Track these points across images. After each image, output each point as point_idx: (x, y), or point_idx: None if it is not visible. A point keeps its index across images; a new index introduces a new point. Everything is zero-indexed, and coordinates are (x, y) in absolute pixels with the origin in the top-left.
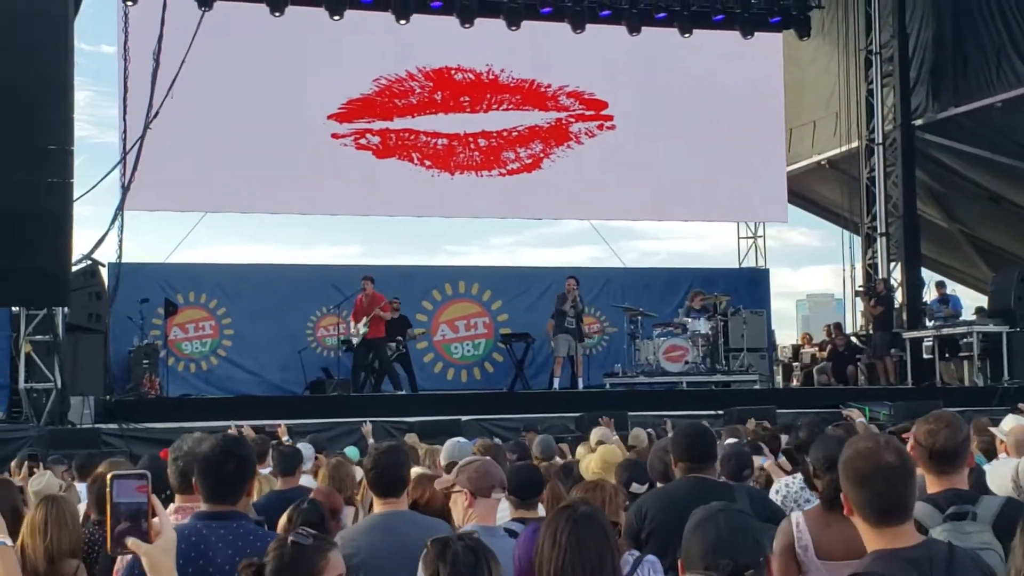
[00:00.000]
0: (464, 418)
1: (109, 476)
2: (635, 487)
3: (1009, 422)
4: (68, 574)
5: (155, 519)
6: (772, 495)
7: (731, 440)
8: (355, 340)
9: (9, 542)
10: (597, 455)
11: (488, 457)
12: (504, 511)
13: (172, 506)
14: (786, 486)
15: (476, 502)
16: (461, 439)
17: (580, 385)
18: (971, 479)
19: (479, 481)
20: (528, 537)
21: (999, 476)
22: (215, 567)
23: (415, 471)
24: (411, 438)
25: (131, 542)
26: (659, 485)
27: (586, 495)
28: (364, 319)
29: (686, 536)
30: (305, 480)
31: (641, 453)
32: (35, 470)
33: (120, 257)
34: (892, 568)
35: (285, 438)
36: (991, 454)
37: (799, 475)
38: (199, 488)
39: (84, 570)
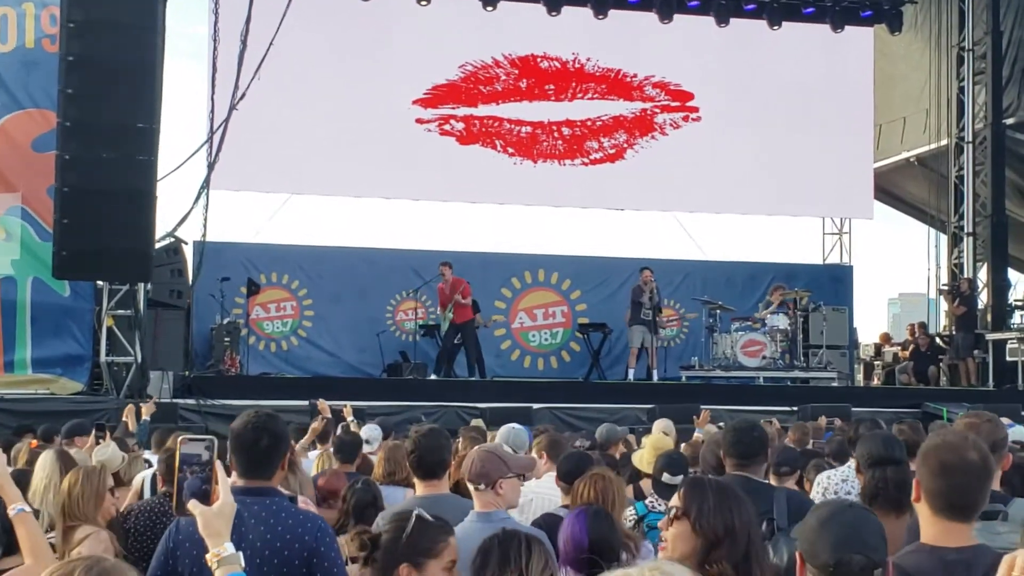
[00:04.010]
0: (536, 406)
1: (179, 439)
2: (666, 477)
3: None
4: (80, 539)
5: (217, 485)
6: (816, 488)
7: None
8: (445, 325)
9: (27, 508)
10: (648, 445)
11: (488, 448)
12: (557, 493)
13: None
14: (827, 478)
15: (478, 493)
16: (516, 425)
17: (655, 377)
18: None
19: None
20: (571, 521)
21: None
22: (247, 543)
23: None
24: (477, 423)
25: (191, 504)
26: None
27: (594, 486)
28: (449, 305)
29: (811, 529)
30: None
31: (696, 447)
32: (101, 441)
33: (204, 236)
34: (925, 564)
35: (350, 418)
36: None
37: (842, 468)
38: (233, 463)
39: (98, 538)
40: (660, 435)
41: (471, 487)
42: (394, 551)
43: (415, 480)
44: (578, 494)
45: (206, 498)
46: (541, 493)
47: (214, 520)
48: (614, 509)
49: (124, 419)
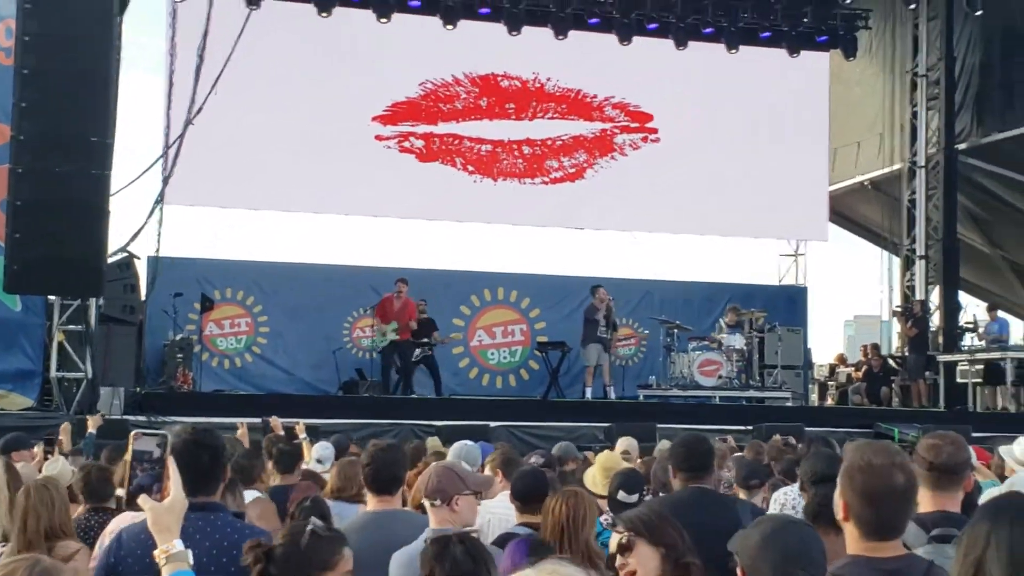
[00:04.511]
0: (493, 424)
1: (132, 434)
2: (622, 495)
3: (1021, 445)
4: (65, 556)
5: (168, 481)
6: (772, 504)
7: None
8: (380, 342)
9: None
10: (597, 463)
11: (446, 464)
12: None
13: None
14: (784, 495)
15: (434, 509)
16: (469, 442)
17: (612, 395)
18: (964, 501)
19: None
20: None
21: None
22: (192, 559)
23: None
24: (433, 442)
25: (141, 499)
26: (660, 495)
27: (566, 503)
28: (394, 323)
29: (754, 545)
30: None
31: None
32: (49, 456)
33: (158, 251)
34: (864, 574)
35: (303, 435)
36: (1004, 478)
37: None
38: None
39: (87, 553)
40: (608, 454)
41: (427, 503)
42: (289, 564)
43: (368, 495)
44: (549, 511)
45: (159, 492)
46: (497, 513)
47: (164, 515)
48: (584, 527)
49: (60, 437)
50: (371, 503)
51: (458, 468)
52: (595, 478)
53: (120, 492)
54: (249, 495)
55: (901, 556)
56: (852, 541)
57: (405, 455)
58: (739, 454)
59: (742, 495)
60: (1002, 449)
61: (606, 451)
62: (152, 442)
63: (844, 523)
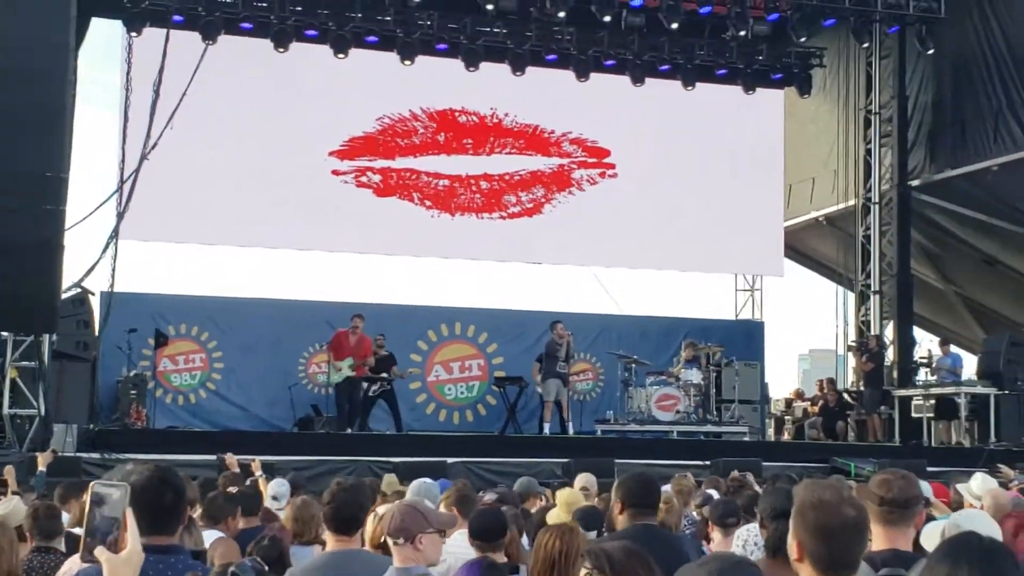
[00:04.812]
0: (451, 460)
1: (91, 485)
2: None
3: (977, 481)
4: None
5: (126, 532)
6: (736, 542)
7: (710, 491)
8: (336, 378)
9: None
10: (561, 502)
11: (409, 503)
12: (470, 552)
13: None
14: (747, 531)
15: (397, 548)
16: (427, 479)
17: (570, 430)
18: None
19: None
20: (468, 572)
21: (930, 537)
22: None
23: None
24: (389, 479)
25: (98, 550)
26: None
27: (560, 537)
28: (350, 360)
29: None
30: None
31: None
32: (1, 496)
33: (112, 286)
34: None
35: (259, 472)
36: None
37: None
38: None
39: None
40: (571, 491)
41: (390, 542)
42: None
43: (327, 534)
44: (541, 545)
45: (115, 545)
46: (455, 552)
47: (121, 568)
48: (576, 563)
49: (4, 477)
50: (330, 543)
51: (421, 506)
52: (558, 515)
53: (76, 530)
54: (209, 535)
55: None
56: None
57: (367, 495)
58: (710, 491)
59: (717, 534)
60: (959, 486)
61: (567, 488)
62: (111, 491)
63: (798, 564)
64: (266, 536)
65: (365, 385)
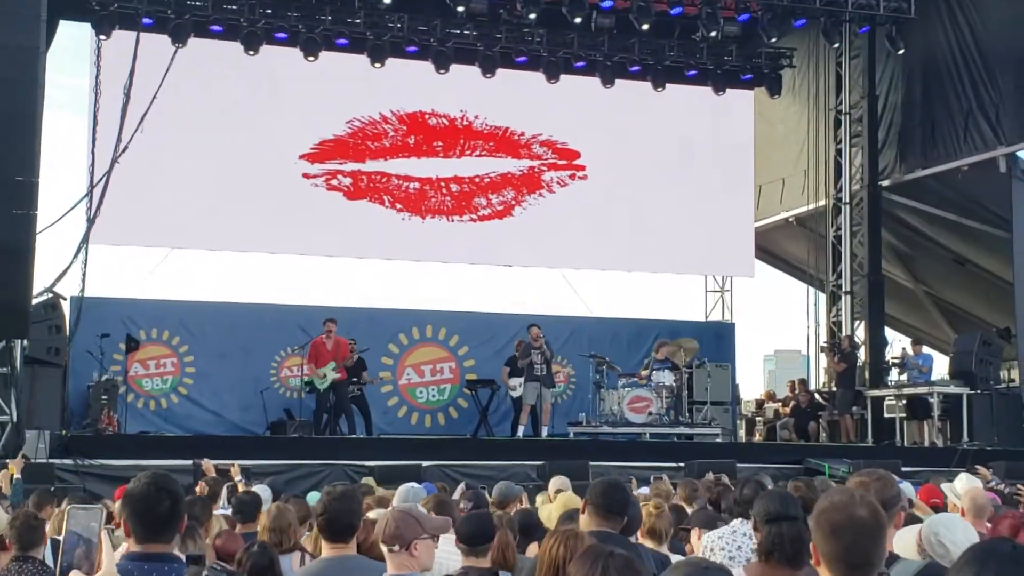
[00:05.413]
0: (425, 463)
1: (67, 506)
2: None
3: (961, 481)
4: None
5: (102, 555)
6: (703, 548)
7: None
8: (321, 385)
9: None
10: (558, 503)
11: (403, 509)
12: (455, 557)
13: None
14: (719, 538)
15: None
16: (415, 484)
17: (544, 433)
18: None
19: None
20: None
21: (903, 541)
22: None
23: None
24: (368, 483)
25: (72, 574)
26: None
27: (564, 544)
28: (332, 364)
29: None
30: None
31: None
32: None
33: (83, 291)
34: None
35: (238, 477)
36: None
37: (725, 527)
38: (129, 528)
39: None
40: (570, 495)
41: (384, 548)
42: None
43: (323, 542)
44: (546, 550)
45: (91, 568)
46: (437, 558)
47: None
48: None
49: None
50: (325, 549)
51: (416, 512)
52: (552, 515)
53: (57, 537)
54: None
55: None
56: None
57: (359, 501)
58: (701, 500)
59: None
60: (944, 485)
61: (566, 493)
62: (87, 515)
63: (819, 569)
64: (256, 543)
65: (351, 387)
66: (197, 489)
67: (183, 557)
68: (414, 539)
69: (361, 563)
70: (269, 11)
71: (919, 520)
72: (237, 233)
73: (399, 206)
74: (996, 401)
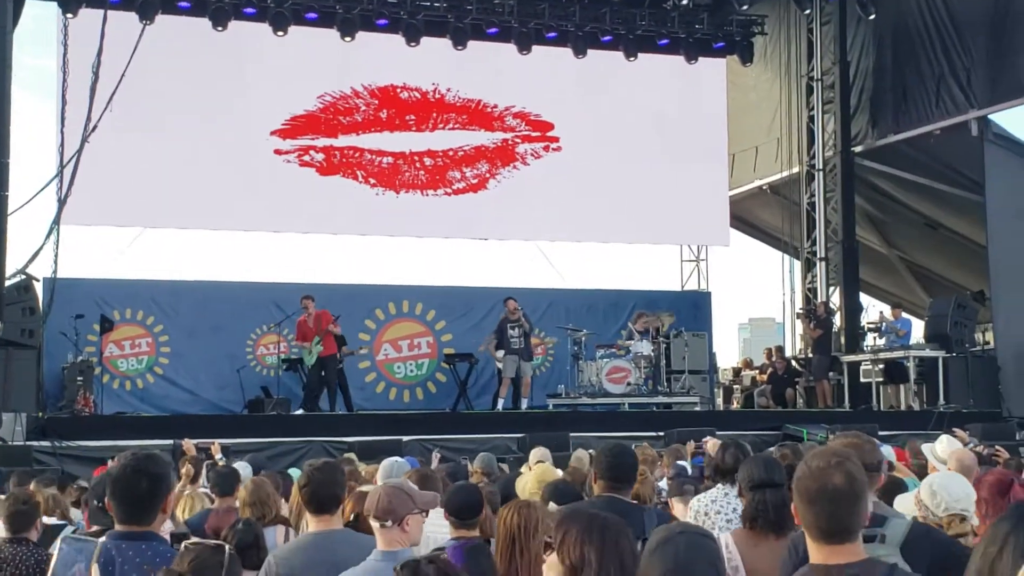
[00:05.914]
0: (406, 438)
1: (61, 538)
2: (552, 507)
3: (942, 443)
4: None
5: None
6: (689, 514)
7: (680, 462)
8: (310, 361)
9: None
10: (533, 475)
11: (394, 484)
12: (444, 529)
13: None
14: (713, 501)
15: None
16: (398, 458)
17: (523, 405)
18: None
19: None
20: (452, 554)
21: (906, 500)
22: None
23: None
24: (350, 457)
25: None
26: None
27: (518, 512)
28: (316, 339)
29: (644, 557)
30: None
31: (576, 474)
32: None
33: (55, 272)
34: None
35: (218, 456)
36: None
37: (711, 491)
38: (111, 508)
39: None
40: (547, 466)
41: (375, 524)
42: None
43: (308, 516)
44: (502, 520)
45: None
46: (425, 531)
47: None
48: (535, 536)
49: None
50: (312, 523)
51: (407, 487)
52: (527, 488)
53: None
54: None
55: (860, 561)
56: (811, 549)
57: (342, 472)
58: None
59: (677, 505)
60: (924, 447)
61: (543, 465)
62: (82, 550)
63: (804, 529)
64: (240, 520)
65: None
66: (183, 471)
67: (167, 536)
68: (407, 514)
69: (348, 537)
70: None
71: (900, 482)
72: (209, 211)
73: (372, 181)
74: (971, 364)
